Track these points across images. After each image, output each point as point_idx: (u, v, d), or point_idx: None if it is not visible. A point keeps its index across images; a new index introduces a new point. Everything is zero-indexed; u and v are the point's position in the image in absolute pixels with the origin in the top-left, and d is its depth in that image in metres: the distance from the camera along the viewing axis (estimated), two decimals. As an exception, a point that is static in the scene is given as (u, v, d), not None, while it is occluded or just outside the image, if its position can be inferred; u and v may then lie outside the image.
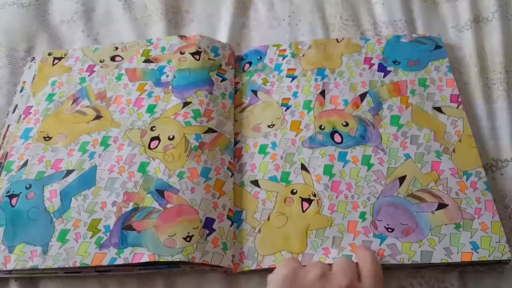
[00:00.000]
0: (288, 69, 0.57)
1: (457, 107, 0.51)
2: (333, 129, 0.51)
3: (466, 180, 0.46)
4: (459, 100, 0.52)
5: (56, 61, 0.60)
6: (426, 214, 0.45)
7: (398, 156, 0.49)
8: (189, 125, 0.51)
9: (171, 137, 0.50)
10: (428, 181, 0.47)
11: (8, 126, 0.56)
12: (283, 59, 0.58)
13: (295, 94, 0.55)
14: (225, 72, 0.57)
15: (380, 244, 0.44)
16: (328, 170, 0.48)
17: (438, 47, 0.57)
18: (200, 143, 0.50)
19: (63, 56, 0.60)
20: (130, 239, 0.44)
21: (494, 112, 0.53)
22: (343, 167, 0.48)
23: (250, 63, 0.59)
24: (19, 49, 0.64)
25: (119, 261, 0.43)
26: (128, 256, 0.43)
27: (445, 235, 0.43)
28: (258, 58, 0.59)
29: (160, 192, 0.47)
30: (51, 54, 0.61)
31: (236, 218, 0.47)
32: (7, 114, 0.57)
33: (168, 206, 0.46)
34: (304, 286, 0.38)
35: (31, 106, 0.56)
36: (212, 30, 0.64)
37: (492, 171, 0.49)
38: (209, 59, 0.57)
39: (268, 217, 0.47)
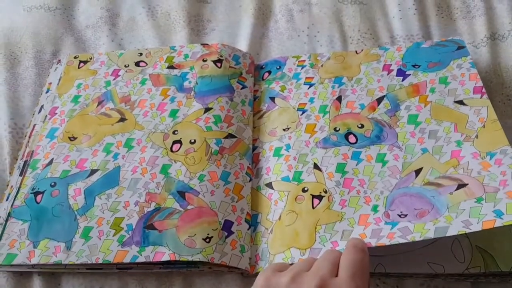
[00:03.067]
0: (306, 78, 0.58)
1: (481, 97, 0.50)
2: (347, 130, 0.51)
3: (490, 160, 0.44)
4: (483, 91, 0.50)
5: (81, 64, 0.62)
6: (444, 196, 0.43)
7: (415, 152, 0.48)
8: (210, 130, 0.53)
9: (192, 141, 0.52)
10: (447, 169, 0.45)
11: (34, 125, 0.57)
12: (302, 68, 0.59)
13: (311, 100, 0.55)
14: (245, 80, 0.59)
15: (391, 229, 0.42)
16: (340, 168, 0.49)
17: (460, 47, 0.56)
18: (220, 147, 0.52)
19: (88, 59, 0.62)
20: (151, 238, 0.46)
21: (510, 127, 0.54)
22: (356, 165, 0.48)
23: (269, 72, 0.60)
24: (45, 52, 0.66)
25: (141, 259, 0.44)
26: (149, 254, 0.45)
27: (464, 209, 0.41)
28: (278, 67, 0.60)
29: (181, 194, 0.48)
30: (77, 58, 0.63)
31: (253, 222, 0.48)
32: (33, 114, 0.59)
33: (189, 207, 0.47)
34: None
35: (57, 107, 0.58)
36: (233, 39, 0.66)
37: (506, 184, 0.50)
38: (230, 67, 0.59)
39: (280, 217, 0.47)
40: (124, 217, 0.47)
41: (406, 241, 0.40)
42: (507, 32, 0.62)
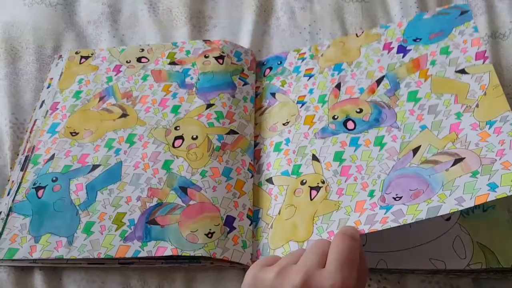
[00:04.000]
0: (306, 69, 0.57)
1: (483, 63, 0.47)
2: (346, 117, 0.51)
3: (489, 129, 0.43)
4: (486, 55, 0.48)
5: (83, 59, 0.62)
6: (440, 173, 0.42)
7: (413, 130, 0.47)
8: (212, 126, 0.53)
9: (194, 136, 0.52)
10: (445, 144, 0.44)
11: (35, 120, 0.57)
12: (302, 61, 0.59)
13: (311, 91, 0.55)
14: (247, 77, 0.59)
15: (384, 214, 0.41)
16: (338, 156, 0.48)
17: (464, 12, 0.53)
18: (222, 143, 0.52)
19: (90, 55, 0.62)
20: (153, 233, 0.46)
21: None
22: (354, 151, 0.48)
23: (270, 68, 0.60)
24: (46, 47, 0.66)
25: (143, 254, 0.44)
26: (151, 249, 0.45)
27: (459, 186, 0.40)
28: (278, 63, 0.60)
29: (183, 189, 0.48)
30: (78, 53, 0.62)
31: (254, 217, 0.48)
32: (34, 109, 0.59)
33: (191, 203, 0.47)
34: (266, 285, 0.35)
35: (58, 102, 0.57)
36: (234, 36, 0.66)
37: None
38: (232, 63, 0.59)
39: (279, 211, 0.47)
40: (126, 212, 0.47)
41: (398, 224, 0.39)
42: (508, 30, 0.62)
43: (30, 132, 0.56)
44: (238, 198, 0.49)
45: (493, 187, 0.38)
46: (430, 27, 0.54)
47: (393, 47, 0.54)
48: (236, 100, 0.56)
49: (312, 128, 0.52)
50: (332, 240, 0.36)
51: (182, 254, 0.44)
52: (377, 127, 0.49)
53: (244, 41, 0.65)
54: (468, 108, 0.45)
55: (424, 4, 0.66)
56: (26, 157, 0.54)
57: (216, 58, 0.59)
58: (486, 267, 0.43)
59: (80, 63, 0.61)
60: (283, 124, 0.54)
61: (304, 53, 0.60)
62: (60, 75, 0.61)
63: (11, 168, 0.55)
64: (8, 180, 0.54)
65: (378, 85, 0.52)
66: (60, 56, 0.64)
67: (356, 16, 0.66)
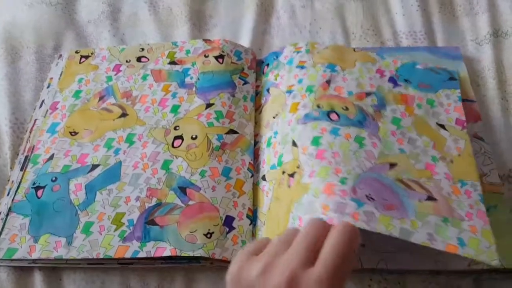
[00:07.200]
0: (300, 61, 0.56)
1: (461, 130, 0.50)
2: (331, 109, 0.50)
3: (461, 187, 0.44)
4: (465, 125, 0.50)
5: (83, 59, 0.61)
6: (413, 201, 0.42)
7: (393, 148, 0.47)
8: (211, 125, 0.53)
9: (194, 136, 0.52)
10: (420, 176, 0.44)
11: (35, 120, 0.57)
12: (297, 54, 0.57)
13: (300, 81, 0.54)
14: (247, 76, 0.58)
15: (356, 209, 0.40)
16: (316, 140, 0.47)
17: (452, 78, 0.55)
18: (221, 143, 0.51)
19: (90, 54, 0.62)
20: (152, 233, 0.45)
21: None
22: (333, 139, 0.46)
23: (268, 65, 0.60)
24: (46, 46, 0.66)
25: (142, 254, 0.44)
26: (150, 249, 0.44)
27: (430, 222, 0.40)
28: (274, 58, 0.59)
29: (183, 189, 0.48)
30: (78, 52, 0.62)
31: (253, 217, 0.48)
32: (34, 109, 0.59)
33: (190, 203, 0.47)
34: (250, 283, 0.32)
35: (58, 102, 0.57)
36: (235, 35, 0.66)
37: (509, 182, 0.50)
38: (232, 62, 0.59)
39: (269, 207, 0.47)
40: (125, 213, 0.47)
41: (371, 229, 0.38)
42: (510, 29, 0.62)
43: (30, 132, 0.56)
44: (237, 197, 0.48)
45: (461, 243, 0.39)
46: (421, 77, 0.55)
47: (385, 75, 0.55)
48: (236, 100, 0.55)
49: (296, 115, 0.50)
50: (331, 233, 0.33)
51: (181, 255, 0.44)
52: (360, 128, 0.48)
53: (245, 40, 0.65)
54: (444, 159, 0.46)
55: (425, 2, 0.66)
56: (26, 157, 0.54)
57: (216, 57, 0.59)
58: (488, 268, 0.43)
59: (80, 63, 0.61)
60: (273, 118, 0.53)
61: (301, 47, 0.58)
62: (60, 75, 0.61)
63: (11, 168, 0.55)
64: (8, 180, 0.54)
65: (366, 96, 0.52)
66: (60, 55, 0.64)
67: (357, 15, 0.66)
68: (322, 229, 0.33)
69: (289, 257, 0.31)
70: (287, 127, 0.50)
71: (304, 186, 0.43)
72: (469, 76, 0.57)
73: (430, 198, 0.43)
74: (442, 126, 0.50)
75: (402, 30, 0.64)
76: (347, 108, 0.50)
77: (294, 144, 0.48)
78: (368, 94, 0.52)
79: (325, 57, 0.56)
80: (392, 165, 0.45)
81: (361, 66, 0.56)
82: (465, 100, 0.54)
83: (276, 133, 0.51)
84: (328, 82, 0.53)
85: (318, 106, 0.50)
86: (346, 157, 0.45)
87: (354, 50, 0.58)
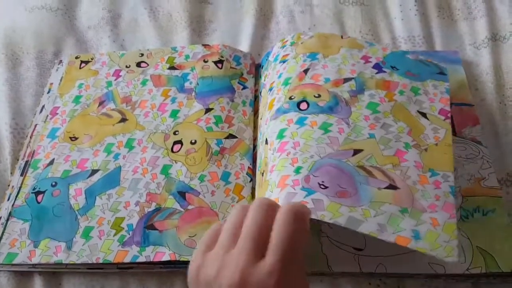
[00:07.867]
0: (283, 56, 0.55)
1: (444, 120, 0.48)
2: (302, 99, 0.49)
3: (430, 177, 0.43)
4: (448, 116, 0.49)
5: (83, 64, 0.62)
6: (371, 188, 0.41)
7: (362, 133, 0.46)
8: (210, 130, 0.53)
9: (193, 141, 0.52)
10: (386, 162, 0.43)
11: (35, 125, 0.58)
12: (282, 49, 0.57)
13: (279, 76, 0.53)
14: (246, 81, 0.59)
15: (304, 197, 0.40)
16: (281, 133, 0.46)
17: (441, 73, 0.54)
18: (221, 148, 0.52)
19: (90, 60, 0.62)
20: (152, 238, 0.46)
21: (510, 130, 0.54)
22: (297, 129, 0.46)
23: (262, 67, 0.60)
24: (47, 52, 0.66)
25: (141, 259, 0.44)
26: (149, 254, 0.45)
27: (385, 212, 0.39)
28: (266, 58, 0.59)
29: (182, 194, 0.48)
30: (78, 58, 0.63)
31: (253, 222, 0.48)
32: (34, 114, 0.60)
33: (189, 207, 0.47)
34: (207, 284, 0.31)
35: (58, 107, 0.58)
36: (234, 40, 0.66)
37: (507, 185, 0.50)
38: (231, 67, 0.59)
39: None
40: (124, 217, 0.47)
41: (316, 217, 0.38)
42: (508, 33, 0.62)
43: (30, 137, 0.57)
44: (236, 202, 0.48)
45: (416, 235, 0.38)
46: (410, 66, 0.54)
47: (370, 62, 0.54)
48: (235, 104, 0.56)
49: (271, 111, 0.50)
50: (277, 220, 0.31)
51: (180, 259, 0.44)
52: (328, 114, 0.47)
53: (244, 45, 0.65)
54: (417, 146, 0.45)
55: (423, 6, 0.66)
56: (26, 162, 0.54)
57: (215, 62, 0.59)
58: (486, 272, 0.43)
59: (80, 68, 0.62)
60: (260, 119, 0.53)
61: (287, 40, 0.58)
62: (60, 80, 0.61)
63: (11, 173, 0.55)
64: (8, 185, 0.54)
65: (344, 82, 0.51)
66: (60, 61, 0.64)
67: (356, 19, 0.66)
68: (270, 210, 0.32)
69: (237, 255, 0.30)
70: (264, 126, 0.50)
71: (266, 183, 0.44)
72: (468, 80, 0.57)
73: (391, 186, 0.42)
74: (424, 114, 0.49)
75: (400, 34, 0.64)
76: (319, 96, 0.49)
77: (266, 142, 0.48)
78: (347, 79, 0.51)
79: (307, 47, 0.55)
80: (357, 151, 0.44)
81: (346, 52, 0.54)
82: (463, 104, 0.54)
83: (260, 134, 0.52)
84: (306, 71, 0.52)
85: (290, 98, 0.49)
86: (306, 145, 0.44)
87: (342, 37, 0.57)
